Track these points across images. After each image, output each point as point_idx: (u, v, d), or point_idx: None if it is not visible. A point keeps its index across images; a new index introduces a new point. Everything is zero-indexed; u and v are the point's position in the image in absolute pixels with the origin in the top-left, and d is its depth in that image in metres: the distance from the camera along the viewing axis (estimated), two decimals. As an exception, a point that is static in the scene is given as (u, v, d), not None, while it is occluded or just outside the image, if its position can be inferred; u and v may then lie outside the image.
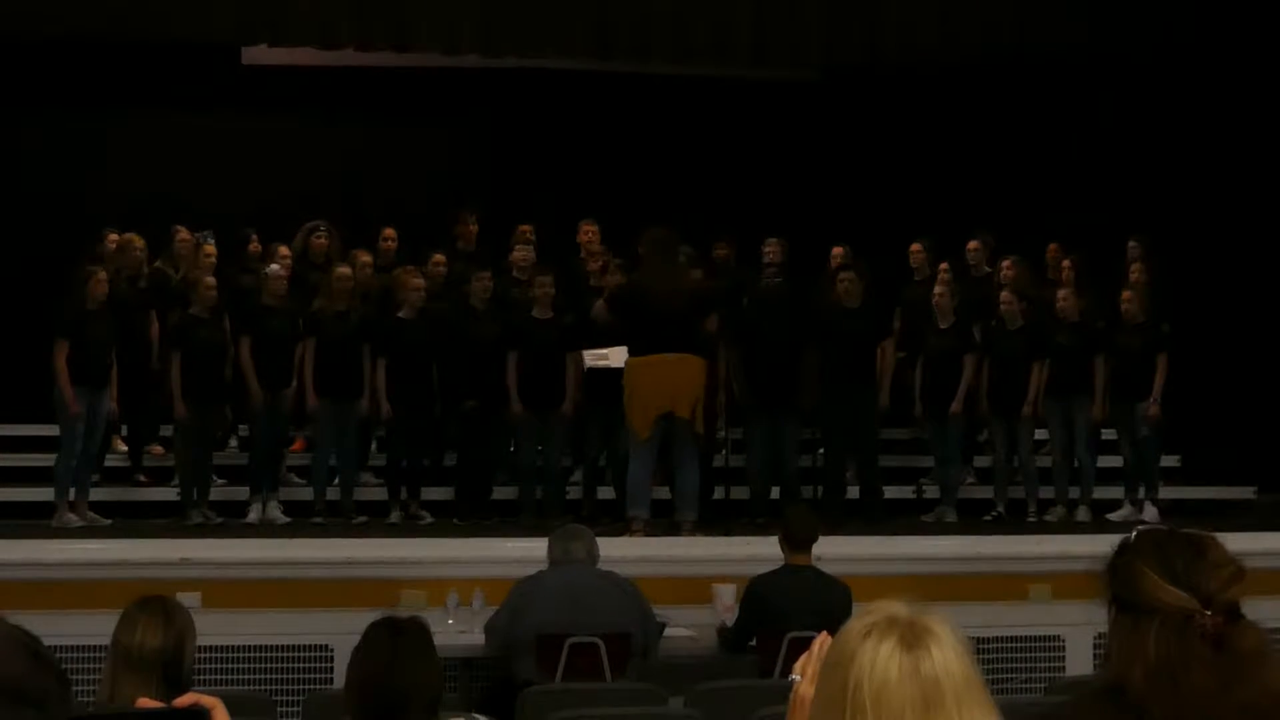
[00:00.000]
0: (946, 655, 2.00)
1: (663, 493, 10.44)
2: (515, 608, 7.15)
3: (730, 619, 7.81)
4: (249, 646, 8.11)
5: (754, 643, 7.55)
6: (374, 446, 11.66)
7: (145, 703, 1.80)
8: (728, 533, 10.14)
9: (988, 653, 8.31)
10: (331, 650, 8.00)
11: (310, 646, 8.15)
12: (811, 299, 11.67)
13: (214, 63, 13.22)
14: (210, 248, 11.46)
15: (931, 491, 11.70)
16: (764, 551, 7.99)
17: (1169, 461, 12.07)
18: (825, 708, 2.02)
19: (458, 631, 7.59)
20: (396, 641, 4.19)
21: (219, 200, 12.81)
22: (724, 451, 11.17)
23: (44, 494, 10.43)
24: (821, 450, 11.44)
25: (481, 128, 14.46)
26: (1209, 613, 2.29)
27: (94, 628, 4.67)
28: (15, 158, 13.52)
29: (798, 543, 7.61)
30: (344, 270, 11.10)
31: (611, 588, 7.27)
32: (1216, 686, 2.25)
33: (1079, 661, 8.50)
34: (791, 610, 7.25)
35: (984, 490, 11.75)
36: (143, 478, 11.37)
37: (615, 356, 10.62)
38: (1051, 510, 11.34)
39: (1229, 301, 12.61)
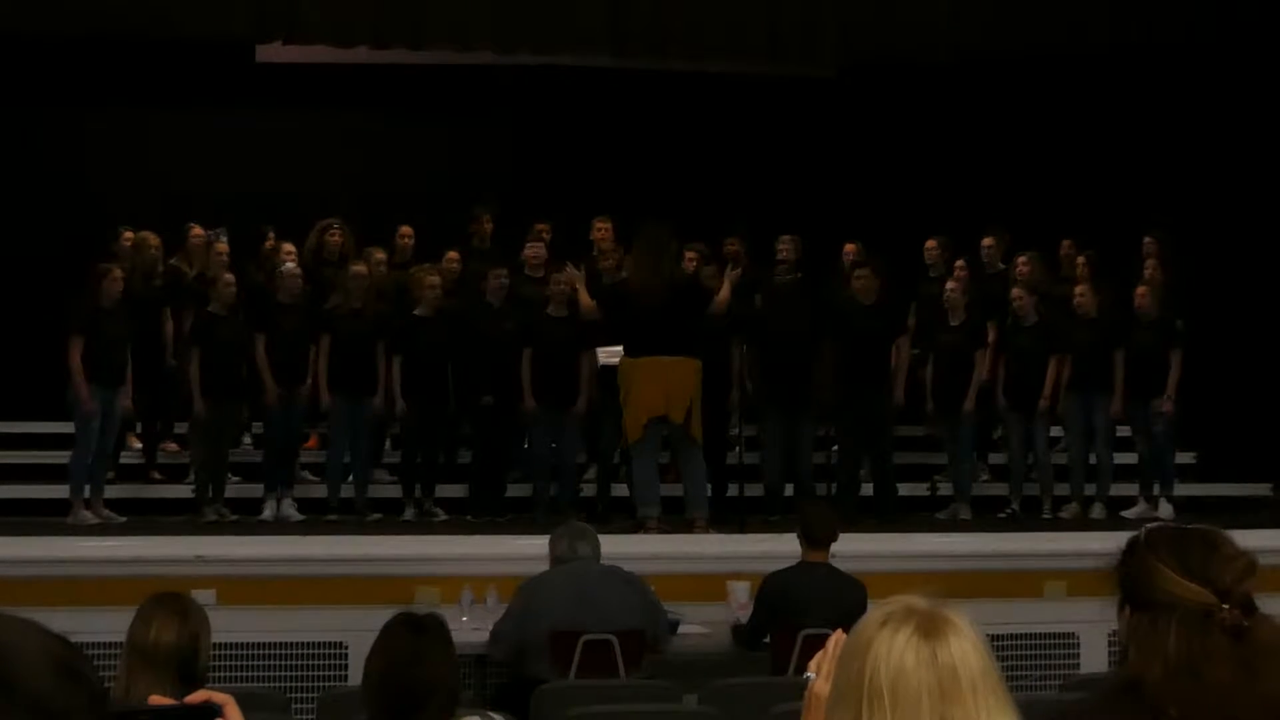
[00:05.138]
0: (964, 645, 1.99)
1: (676, 489, 10.43)
2: (523, 611, 7.11)
3: (744, 616, 7.79)
4: (264, 644, 8.11)
5: (768, 640, 7.53)
6: (388, 444, 11.67)
7: (158, 699, 1.77)
8: (742, 530, 10.13)
9: (1002, 650, 8.28)
10: (346, 647, 8.00)
11: (325, 644, 8.15)
12: (826, 296, 11.65)
13: (229, 61, 13.23)
14: (223, 245, 11.48)
15: (946, 489, 11.68)
16: (778, 548, 7.98)
17: (1184, 458, 12.03)
18: (842, 696, 2.02)
19: (472, 629, 7.55)
20: (416, 637, 4.18)
21: (234, 198, 12.83)
22: (738, 449, 11.16)
23: (59, 491, 10.44)
24: (835, 447, 11.42)
25: (496, 125, 14.46)
26: (1227, 606, 2.29)
27: (109, 625, 4.66)
28: (31, 155, 13.54)
29: (815, 540, 7.58)
30: (359, 268, 11.12)
31: (620, 583, 7.25)
32: (1238, 680, 2.24)
33: (1094, 659, 8.48)
34: (806, 607, 7.23)
35: (998, 487, 11.72)
36: (157, 475, 11.39)
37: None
38: (1066, 507, 11.30)
39: (1245, 297, 12.56)
